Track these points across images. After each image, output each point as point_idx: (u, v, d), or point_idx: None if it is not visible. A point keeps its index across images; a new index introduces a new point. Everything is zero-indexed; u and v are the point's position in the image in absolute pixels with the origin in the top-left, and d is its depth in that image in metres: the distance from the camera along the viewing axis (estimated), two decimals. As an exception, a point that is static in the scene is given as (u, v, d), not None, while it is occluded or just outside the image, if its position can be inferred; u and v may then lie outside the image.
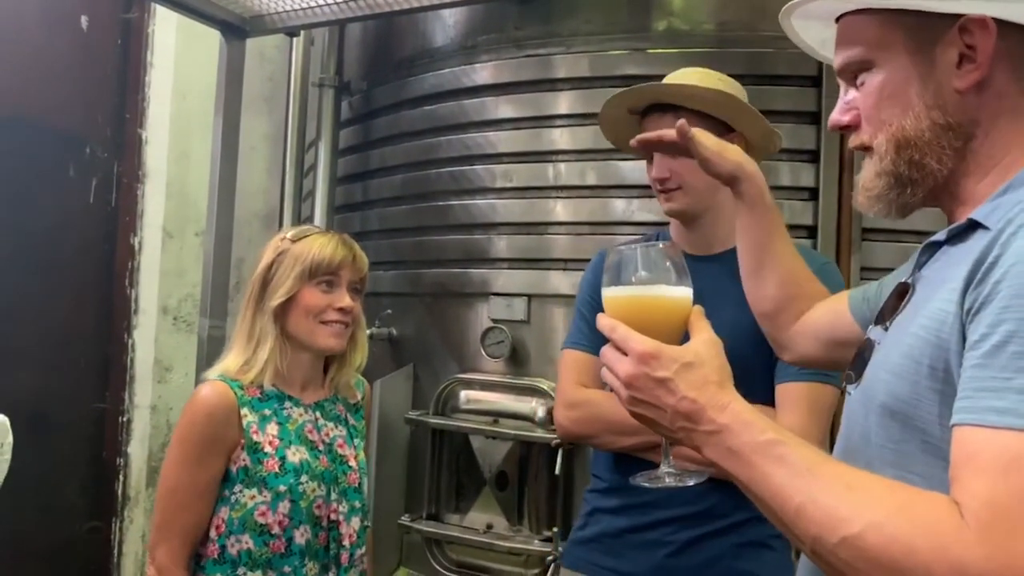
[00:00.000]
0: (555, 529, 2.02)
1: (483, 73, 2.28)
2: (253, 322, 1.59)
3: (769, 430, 0.80)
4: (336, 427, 1.65)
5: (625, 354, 0.87)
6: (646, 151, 1.54)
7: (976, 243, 0.79)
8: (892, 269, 1.11)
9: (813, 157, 1.98)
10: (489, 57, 2.28)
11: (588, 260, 1.80)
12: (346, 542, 1.58)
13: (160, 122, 2.98)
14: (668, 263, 0.92)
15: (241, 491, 1.51)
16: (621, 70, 2.07)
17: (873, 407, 0.86)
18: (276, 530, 1.51)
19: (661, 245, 0.93)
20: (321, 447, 1.60)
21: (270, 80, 3.16)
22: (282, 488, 1.51)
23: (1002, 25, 0.84)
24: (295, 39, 2.67)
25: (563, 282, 2.12)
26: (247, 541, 1.50)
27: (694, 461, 0.98)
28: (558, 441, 2.00)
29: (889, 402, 0.83)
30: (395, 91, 2.51)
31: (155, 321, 2.95)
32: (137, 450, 2.96)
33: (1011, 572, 0.63)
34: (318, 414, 1.63)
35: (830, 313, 1.17)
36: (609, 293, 0.93)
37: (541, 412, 2.10)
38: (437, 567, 2.22)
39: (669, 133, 1.23)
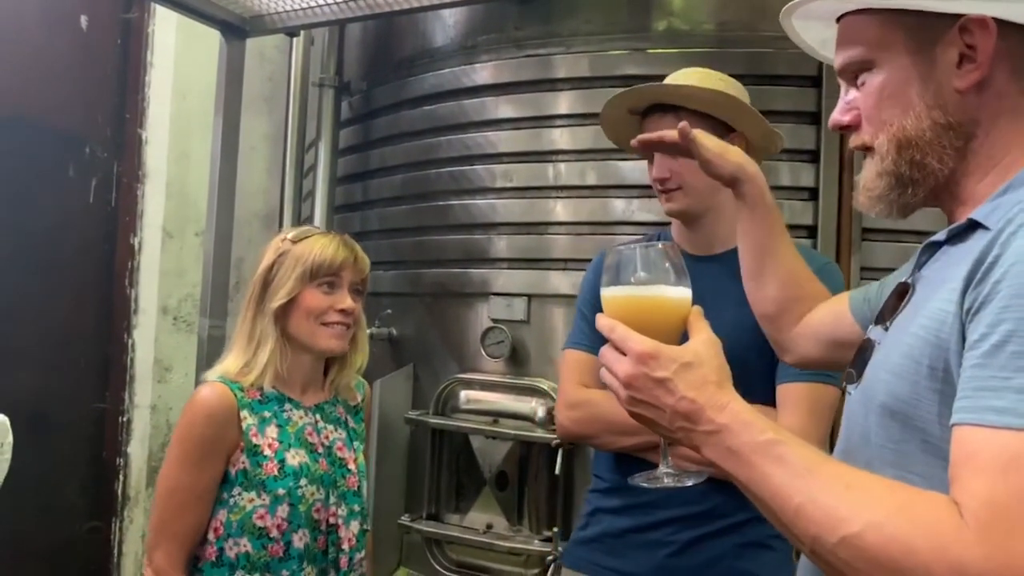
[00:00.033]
0: (555, 529, 2.02)
1: (483, 73, 2.28)
2: (253, 323, 1.58)
3: (768, 430, 0.80)
4: (336, 430, 1.64)
5: (624, 354, 0.87)
6: (647, 151, 1.54)
7: (976, 243, 0.79)
8: (892, 269, 1.11)
9: (813, 157, 1.98)
10: (489, 57, 2.28)
11: (588, 260, 1.80)
12: (345, 546, 1.56)
13: (160, 122, 2.98)
14: (667, 263, 0.92)
15: (240, 494, 1.50)
16: (621, 70, 2.07)
17: (873, 407, 0.86)
18: (274, 533, 1.49)
19: (660, 245, 0.93)
20: (321, 450, 1.59)
21: (270, 80, 3.16)
22: (281, 491, 1.50)
23: (1002, 25, 0.84)
24: (295, 39, 2.67)
25: (563, 282, 2.12)
26: (245, 544, 1.49)
27: (694, 461, 0.98)
28: (558, 441, 2.00)
29: (889, 402, 0.83)
30: (395, 91, 2.51)
31: (155, 321, 2.95)
32: (137, 450, 2.96)
33: (1010, 571, 0.63)
34: (318, 416, 1.62)
35: (831, 314, 1.17)
36: (608, 293, 0.93)
37: (541, 412, 2.10)
38: (437, 567, 2.22)
39: (670, 134, 1.23)
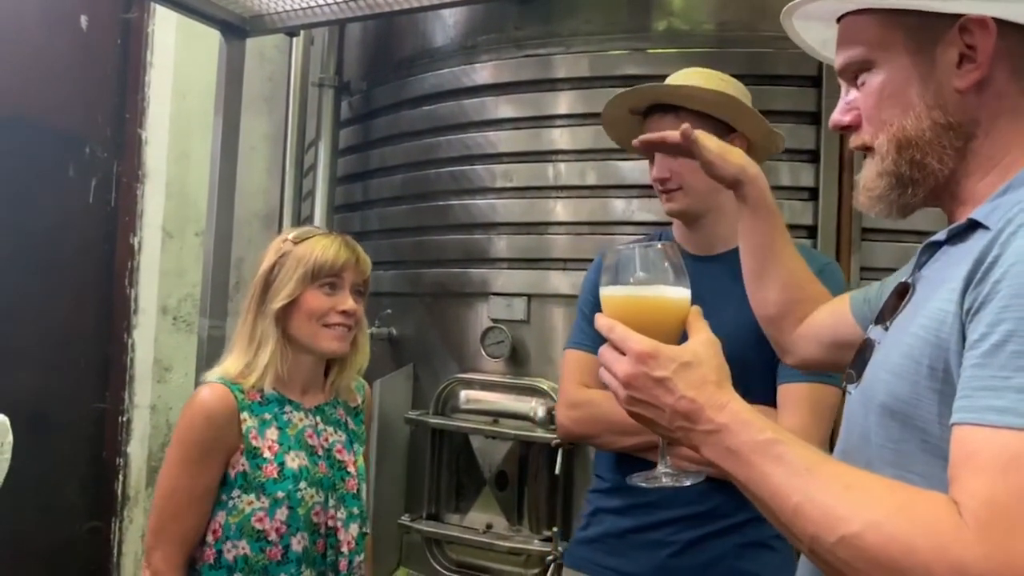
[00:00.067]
0: (555, 529, 2.02)
1: (483, 73, 2.28)
2: (254, 325, 1.56)
3: (768, 429, 0.80)
4: (336, 432, 1.63)
5: (623, 354, 0.87)
6: (648, 152, 1.55)
7: (976, 243, 0.79)
8: (892, 269, 1.11)
9: (813, 157, 1.98)
10: (489, 57, 2.28)
11: (588, 260, 1.80)
12: (344, 549, 1.55)
13: (160, 122, 2.98)
14: (666, 263, 0.92)
15: (239, 496, 1.49)
16: (621, 70, 2.07)
17: (873, 407, 0.86)
18: (273, 537, 1.48)
19: (659, 245, 0.93)
20: (320, 452, 1.58)
21: (270, 80, 3.16)
22: (280, 494, 1.49)
23: (1002, 25, 0.84)
24: (295, 39, 2.67)
25: (563, 282, 2.12)
26: (244, 547, 1.48)
27: (693, 461, 0.98)
28: (558, 441, 2.00)
29: (889, 402, 0.83)
30: (395, 91, 2.51)
31: (155, 321, 2.96)
32: (137, 450, 2.96)
33: (1010, 571, 0.63)
34: (318, 418, 1.61)
35: (832, 316, 1.17)
36: (607, 293, 0.93)
37: (541, 412, 2.10)
38: (437, 567, 2.22)
39: (672, 135, 1.23)
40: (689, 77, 1.57)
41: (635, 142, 1.32)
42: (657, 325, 0.90)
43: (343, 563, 1.55)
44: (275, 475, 1.50)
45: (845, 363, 1.00)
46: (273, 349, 1.54)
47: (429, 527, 2.22)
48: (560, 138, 2.15)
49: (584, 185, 2.12)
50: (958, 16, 0.85)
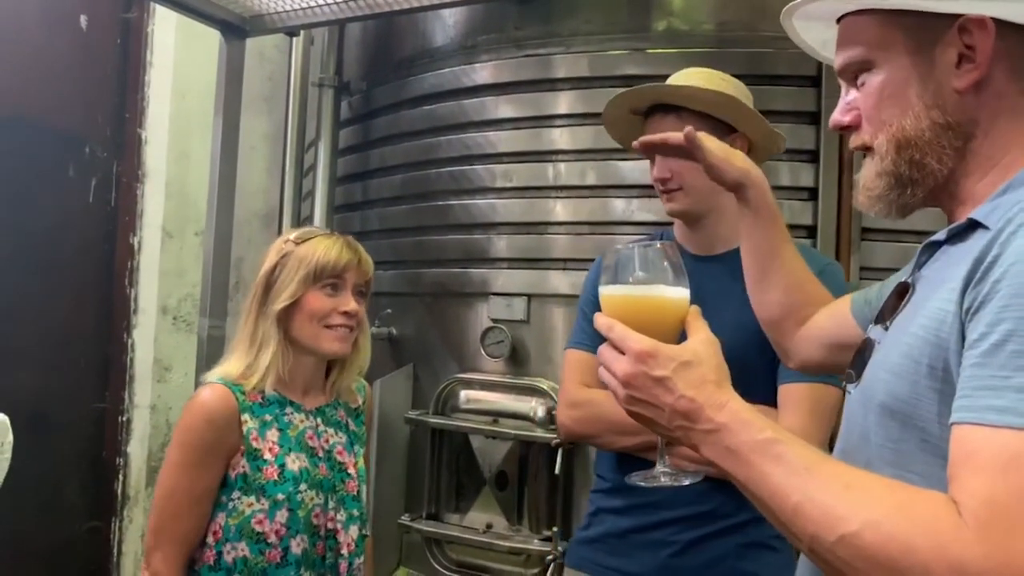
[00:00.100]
0: (555, 529, 2.02)
1: (483, 73, 2.28)
2: (256, 326, 1.55)
3: (767, 429, 0.80)
4: (336, 433, 1.63)
5: (623, 353, 0.87)
6: (649, 153, 1.55)
7: (976, 243, 0.79)
8: (892, 269, 1.11)
9: (813, 157, 1.98)
10: (489, 57, 2.28)
11: (588, 260, 1.80)
12: (344, 551, 1.55)
13: (160, 122, 2.98)
14: (666, 263, 0.92)
15: (239, 498, 1.48)
16: (621, 70, 2.07)
17: (872, 406, 0.86)
18: (272, 539, 1.48)
19: (659, 245, 0.93)
20: (321, 454, 1.57)
21: (270, 80, 3.16)
22: (280, 496, 1.49)
23: (1001, 25, 0.84)
24: (295, 39, 2.67)
25: (563, 282, 2.12)
26: (243, 549, 1.47)
27: (692, 460, 0.98)
28: (558, 441, 2.00)
29: (888, 401, 0.83)
30: (395, 91, 2.51)
31: (155, 321, 2.96)
32: (137, 450, 2.96)
33: (1010, 571, 0.63)
34: (319, 420, 1.61)
35: (833, 318, 1.17)
36: (607, 292, 0.93)
37: (541, 412, 2.10)
38: (437, 567, 2.22)
39: (674, 136, 1.22)
40: (690, 77, 1.57)
41: (636, 144, 1.32)
42: (656, 324, 0.90)
43: (343, 565, 1.55)
44: (275, 477, 1.49)
45: (846, 364, 1.00)
46: (275, 350, 1.53)
47: (429, 527, 2.22)
48: (560, 138, 2.15)
49: (584, 185, 2.12)
50: (957, 16, 0.85)
